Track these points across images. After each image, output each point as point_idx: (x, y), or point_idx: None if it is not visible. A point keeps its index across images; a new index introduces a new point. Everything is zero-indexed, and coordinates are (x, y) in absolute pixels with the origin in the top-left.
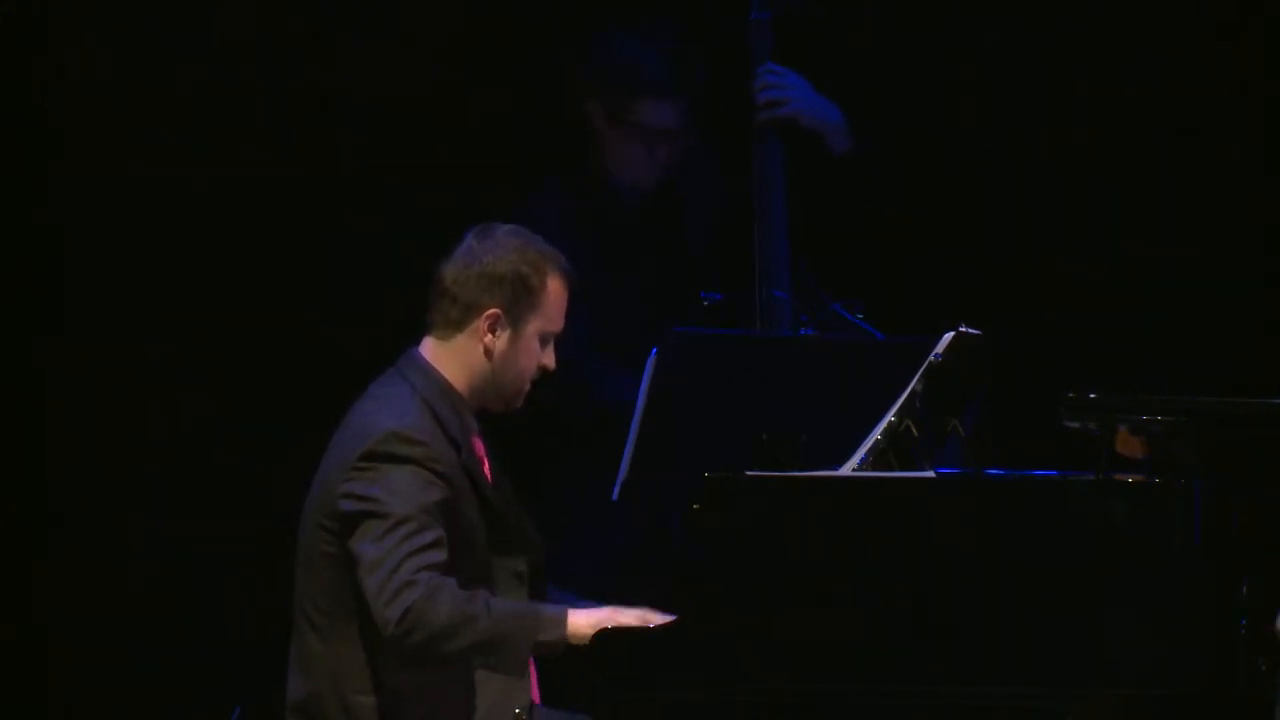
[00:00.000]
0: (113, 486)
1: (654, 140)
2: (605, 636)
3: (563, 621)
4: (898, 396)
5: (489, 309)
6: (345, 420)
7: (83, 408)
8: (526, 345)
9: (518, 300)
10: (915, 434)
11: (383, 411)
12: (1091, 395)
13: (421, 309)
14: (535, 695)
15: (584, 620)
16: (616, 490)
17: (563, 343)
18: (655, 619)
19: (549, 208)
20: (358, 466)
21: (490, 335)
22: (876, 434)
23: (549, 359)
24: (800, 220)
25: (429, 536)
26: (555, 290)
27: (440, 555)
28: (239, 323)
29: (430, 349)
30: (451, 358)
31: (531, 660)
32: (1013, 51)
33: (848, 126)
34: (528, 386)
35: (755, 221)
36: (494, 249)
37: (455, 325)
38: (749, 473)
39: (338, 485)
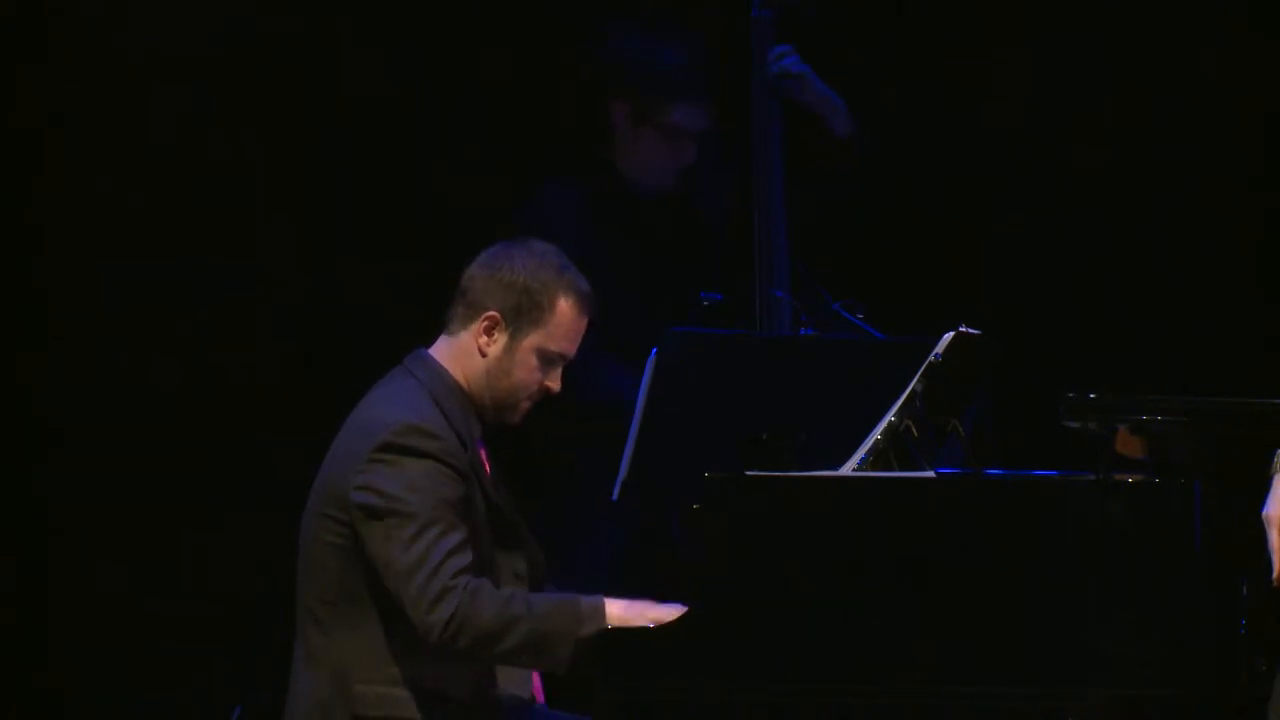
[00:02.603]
0: (113, 486)
1: (683, 142)
2: (606, 636)
3: (601, 613)
4: (898, 396)
5: (489, 311)
6: (352, 415)
7: (82, 408)
8: (522, 358)
9: (520, 311)
10: (915, 434)
11: (395, 405)
12: (1091, 395)
13: (422, 309)
14: (539, 695)
15: (620, 613)
16: (616, 490)
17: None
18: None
19: (555, 204)
20: (374, 458)
21: (485, 337)
22: (876, 434)
23: (553, 381)
24: (802, 219)
25: (457, 537)
26: (564, 312)
27: (470, 556)
28: (239, 323)
29: (439, 346)
30: (454, 355)
31: None
32: (1013, 51)
33: (846, 110)
34: (524, 403)
35: (754, 220)
36: (513, 258)
37: (461, 323)
38: (749, 473)
39: (351, 477)
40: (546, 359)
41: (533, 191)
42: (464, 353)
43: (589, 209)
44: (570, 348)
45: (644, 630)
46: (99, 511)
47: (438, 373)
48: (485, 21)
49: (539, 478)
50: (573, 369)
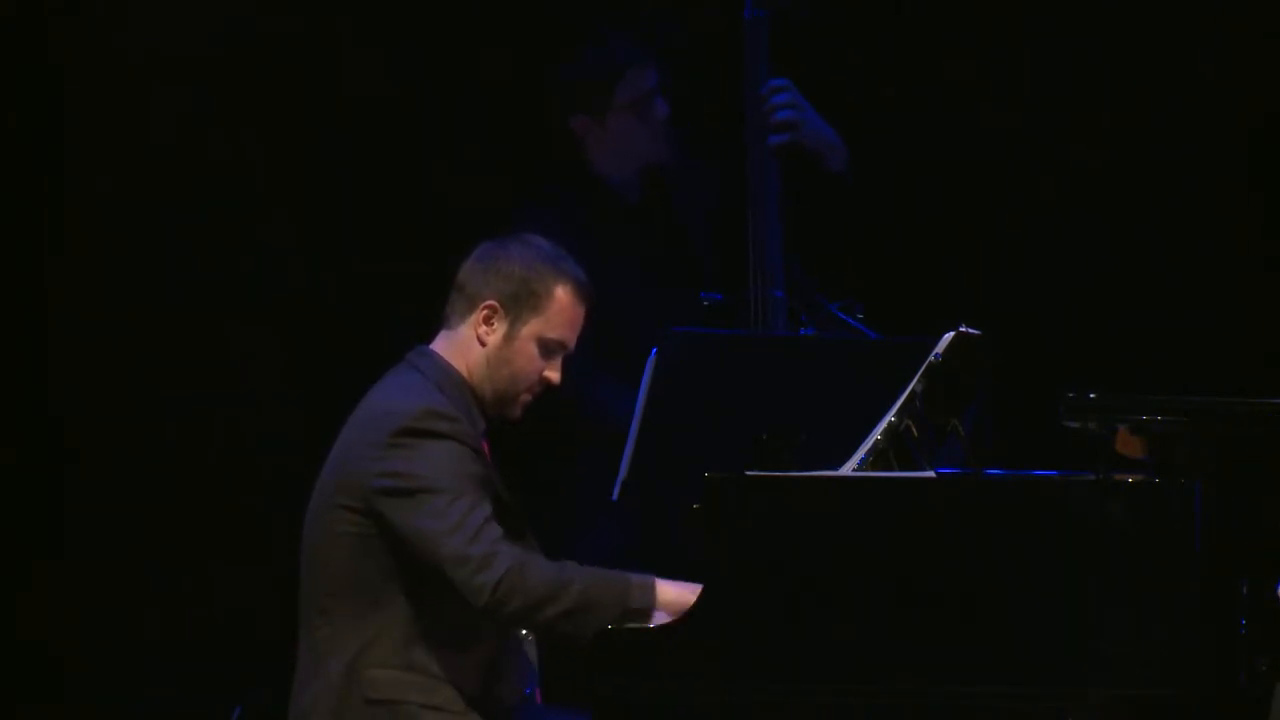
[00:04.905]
0: (113, 486)
1: (646, 106)
2: (605, 636)
3: (651, 589)
4: (898, 396)
5: (488, 300)
6: (360, 409)
7: (82, 408)
8: (522, 346)
9: (518, 299)
10: (915, 434)
11: (408, 394)
12: (1091, 395)
13: (422, 308)
14: (536, 694)
15: (673, 591)
16: (616, 490)
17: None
18: None
19: (539, 218)
20: (394, 444)
21: (485, 326)
22: (876, 434)
23: (553, 373)
24: (796, 221)
25: (488, 510)
26: (562, 299)
27: (500, 528)
28: (239, 322)
29: (440, 341)
30: (455, 348)
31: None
32: (1013, 51)
33: (845, 148)
34: (524, 395)
35: (749, 222)
36: (509, 250)
37: (460, 316)
38: (749, 473)
39: (369, 465)
40: (546, 347)
41: (515, 212)
42: (464, 345)
43: (571, 224)
44: (569, 336)
45: (644, 630)
46: (99, 511)
47: (441, 366)
48: (485, 21)
49: (540, 477)
50: (567, 386)
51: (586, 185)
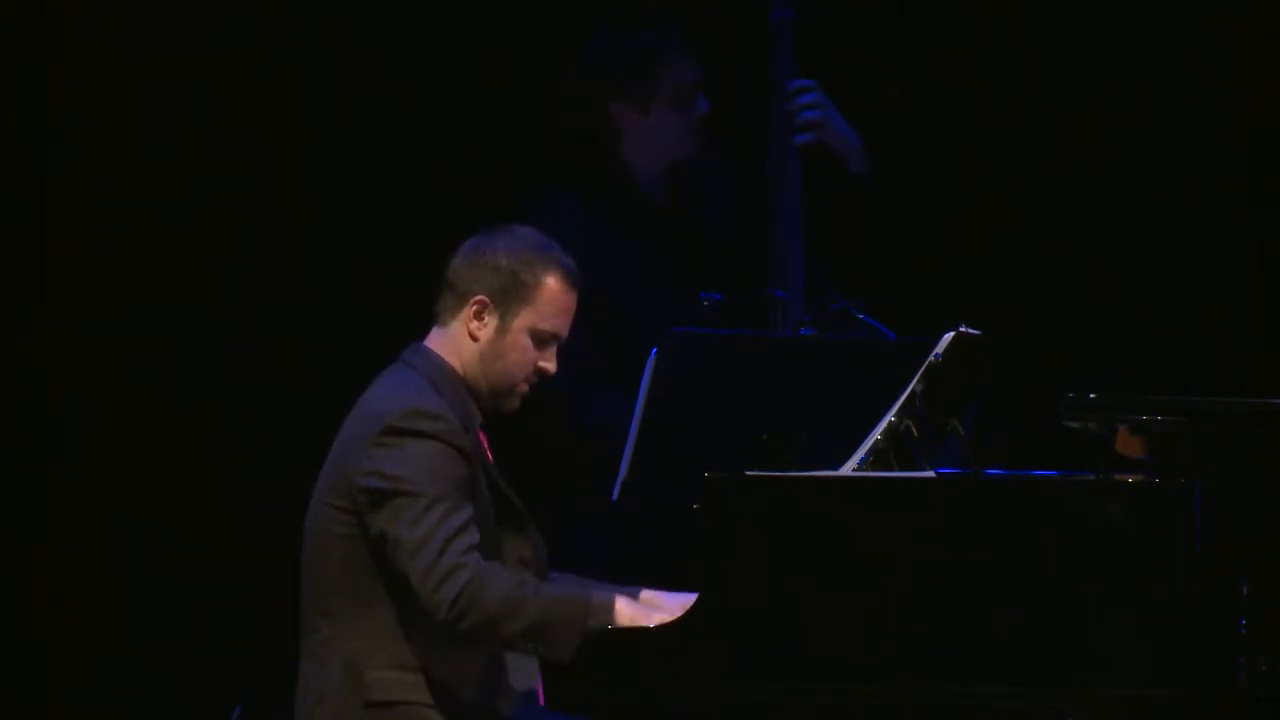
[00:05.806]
0: (112, 485)
1: (689, 96)
2: (605, 636)
3: (610, 608)
4: (898, 396)
5: (477, 296)
6: (355, 409)
7: (82, 406)
8: (514, 339)
9: (506, 292)
10: (915, 434)
11: (399, 392)
12: (1091, 395)
13: (423, 308)
14: (539, 696)
15: (629, 612)
16: (616, 490)
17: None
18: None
19: (554, 214)
20: (379, 442)
21: (476, 321)
22: (876, 434)
23: (548, 362)
24: (818, 222)
25: (464, 516)
26: (552, 288)
27: (477, 535)
28: (239, 322)
29: (433, 338)
30: (448, 344)
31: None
32: (1013, 51)
33: (865, 150)
34: (521, 386)
35: (770, 222)
36: (494, 243)
37: (451, 313)
38: (749, 473)
39: (358, 463)
40: (539, 338)
41: (531, 201)
42: (457, 341)
43: (588, 217)
44: (561, 326)
45: (644, 630)
46: (98, 511)
47: (435, 362)
48: (485, 21)
49: (540, 477)
50: (563, 399)
51: (595, 189)
